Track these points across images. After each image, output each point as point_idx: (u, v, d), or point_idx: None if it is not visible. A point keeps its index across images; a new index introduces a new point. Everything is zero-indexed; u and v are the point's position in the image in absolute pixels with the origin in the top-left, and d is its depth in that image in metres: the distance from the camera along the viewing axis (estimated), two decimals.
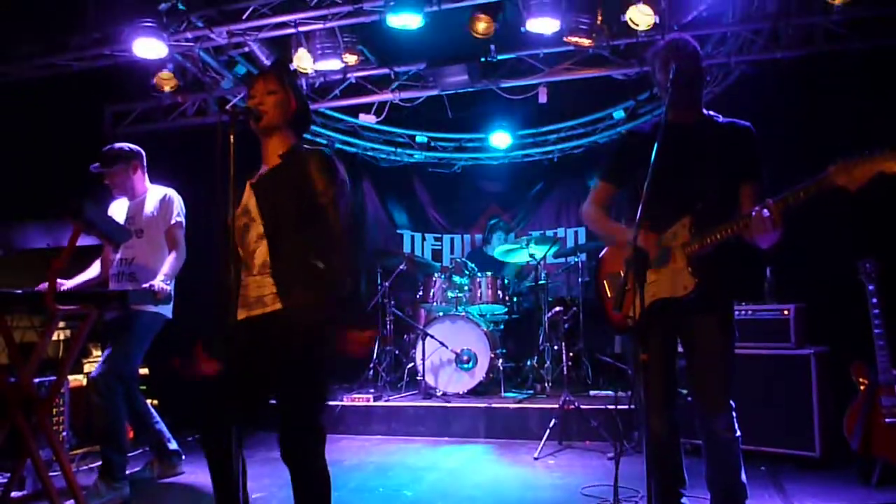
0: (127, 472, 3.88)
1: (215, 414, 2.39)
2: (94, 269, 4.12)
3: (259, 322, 2.46)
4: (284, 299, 2.42)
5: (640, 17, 4.74)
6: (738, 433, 2.65)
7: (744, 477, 2.68)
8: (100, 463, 3.83)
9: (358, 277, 2.48)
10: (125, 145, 4.08)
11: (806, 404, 4.04)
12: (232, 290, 2.32)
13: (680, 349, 2.78)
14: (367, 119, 6.63)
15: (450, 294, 6.33)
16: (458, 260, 6.84)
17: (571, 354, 6.08)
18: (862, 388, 3.81)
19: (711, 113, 2.75)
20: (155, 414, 4.16)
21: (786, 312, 4.25)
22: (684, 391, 2.79)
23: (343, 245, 2.47)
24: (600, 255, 2.96)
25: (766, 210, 2.35)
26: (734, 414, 2.65)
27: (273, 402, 2.48)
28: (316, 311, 2.42)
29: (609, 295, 2.86)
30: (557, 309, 6.36)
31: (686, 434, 2.84)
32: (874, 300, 3.73)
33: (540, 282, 6.22)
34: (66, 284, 3.90)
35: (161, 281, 3.74)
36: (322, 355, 2.46)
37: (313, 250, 2.46)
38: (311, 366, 2.44)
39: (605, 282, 2.88)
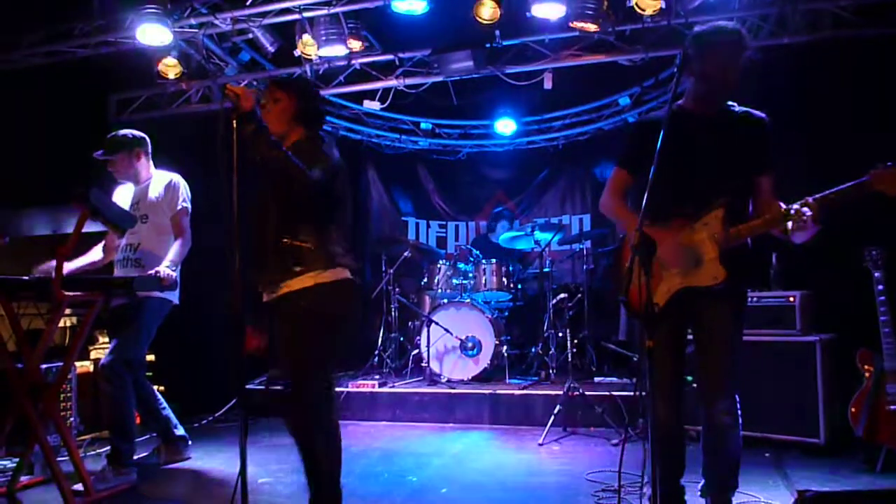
0: (134, 457, 3.91)
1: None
2: (95, 253, 4.12)
3: (273, 305, 2.74)
4: (266, 288, 2.74)
5: (647, 3, 4.69)
6: (740, 422, 2.65)
7: (738, 472, 2.69)
8: (108, 448, 3.86)
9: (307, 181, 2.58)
10: (128, 132, 4.08)
11: (811, 391, 4.04)
12: (237, 274, 2.42)
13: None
14: (371, 106, 6.59)
15: (454, 281, 6.33)
16: (463, 247, 6.84)
17: (576, 341, 6.09)
18: (867, 375, 3.81)
19: (728, 102, 2.73)
20: (162, 400, 4.19)
21: (791, 299, 4.25)
22: (690, 378, 2.79)
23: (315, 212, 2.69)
24: (622, 242, 2.93)
25: (807, 209, 2.40)
26: (737, 400, 2.66)
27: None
28: (310, 298, 2.66)
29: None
30: (562, 296, 6.35)
31: (690, 421, 2.85)
32: (880, 287, 3.73)
33: (545, 269, 6.22)
34: (68, 267, 3.90)
35: (166, 267, 3.75)
36: (311, 335, 2.68)
37: (311, 234, 2.68)
38: (300, 344, 2.68)
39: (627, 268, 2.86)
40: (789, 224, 2.45)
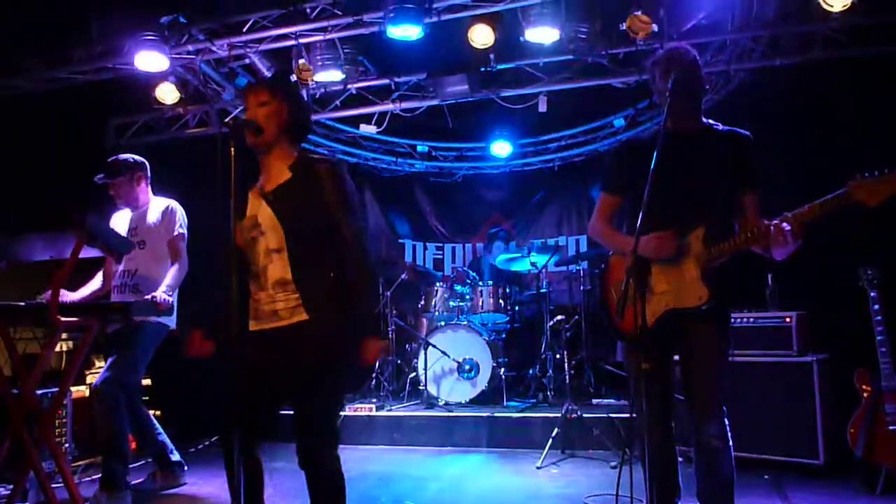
0: (129, 483, 3.87)
1: (234, 426, 2.40)
2: (96, 282, 4.13)
3: (274, 334, 2.50)
4: (310, 312, 2.46)
5: (639, 26, 4.76)
6: (731, 443, 2.64)
7: (733, 494, 2.67)
8: (101, 473, 3.83)
9: (377, 289, 2.54)
10: (129, 156, 4.11)
11: (809, 412, 4.03)
12: (234, 300, 2.32)
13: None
14: (367, 129, 6.65)
15: (451, 303, 6.33)
16: (460, 269, 6.85)
17: (574, 363, 6.07)
18: (865, 395, 3.80)
19: (711, 121, 2.76)
20: (157, 425, 4.17)
21: (788, 320, 4.25)
22: (682, 397, 2.79)
23: (360, 257, 2.54)
24: (607, 263, 2.96)
25: (785, 223, 2.39)
26: (727, 422, 2.65)
27: (287, 411, 2.52)
28: (337, 323, 2.48)
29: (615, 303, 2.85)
30: (559, 317, 6.36)
31: (683, 443, 2.84)
32: (876, 307, 3.73)
33: (541, 290, 6.22)
34: (70, 297, 3.91)
35: (163, 292, 3.75)
36: (341, 365, 2.52)
37: (332, 263, 2.52)
38: (330, 375, 2.49)
39: (611, 289, 2.88)
40: (769, 241, 2.44)
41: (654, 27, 4.75)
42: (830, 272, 4.45)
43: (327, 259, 2.52)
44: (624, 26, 4.81)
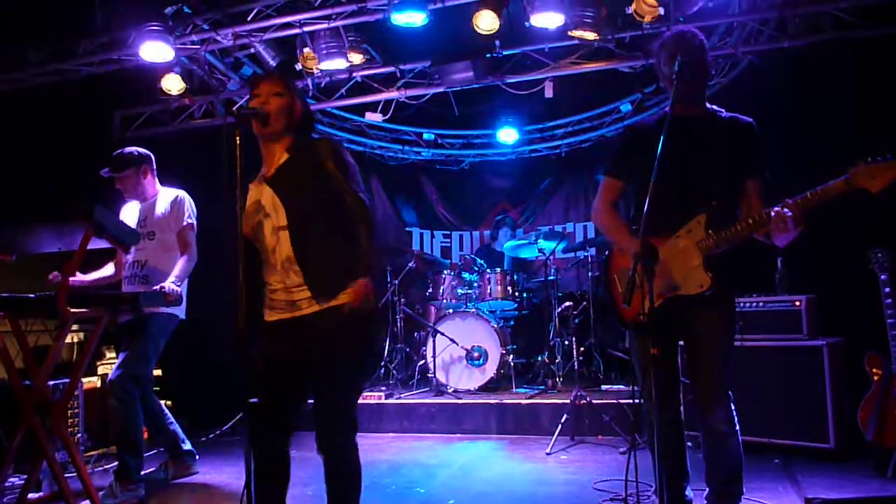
0: (142, 472, 3.91)
1: (263, 419, 2.46)
2: (108, 269, 4.17)
3: (293, 324, 2.52)
4: (320, 298, 2.47)
5: (645, 9, 4.70)
6: (738, 427, 2.64)
7: (742, 478, 2.68)
8: (115, 464, 3.86)
9: (373, 252, 2.54)
10: (134, 149, 4.11)
11: (819, 396, 4.01)
12: (242, 292, 2.33)
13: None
14: (373, 117, 6.62)
15: (459, 291, 6.33)
16: (468, 256, 6.85)
17: (582, 349, 6.08)
18: (876, 378, 3.79)
19: (715, 107, 2.74)
20: (169, 415, 4.20)
21: (797, 304, 4.23)
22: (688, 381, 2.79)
23: (364, 226, 2.53)
24: (611, 251, 2.95)
25: (787, 210, 2.37)
26: (733, 407, 2.64)
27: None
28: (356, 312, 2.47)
29: (619, 290, 2.85)
30: (567, 304, 6.34)
31: (690, 428, 2.84)
32: (887, 289, 3.71)
33: (549, 277, 6.21)
34: (82, 279, 3.94)
35: (172, 283, 3.76)
36: (361, 353, 2.56)
37: (340, 242, 2.52)
38: (352, 362, 2.52)
39: (615, 276, 2.87)
40: (771, 227, 2.43)
41: (661, 10, 4.70)
42: (840, 255, 4.43)
43: (335, 238, 2.52)
44: (630, 10, 4.77)
